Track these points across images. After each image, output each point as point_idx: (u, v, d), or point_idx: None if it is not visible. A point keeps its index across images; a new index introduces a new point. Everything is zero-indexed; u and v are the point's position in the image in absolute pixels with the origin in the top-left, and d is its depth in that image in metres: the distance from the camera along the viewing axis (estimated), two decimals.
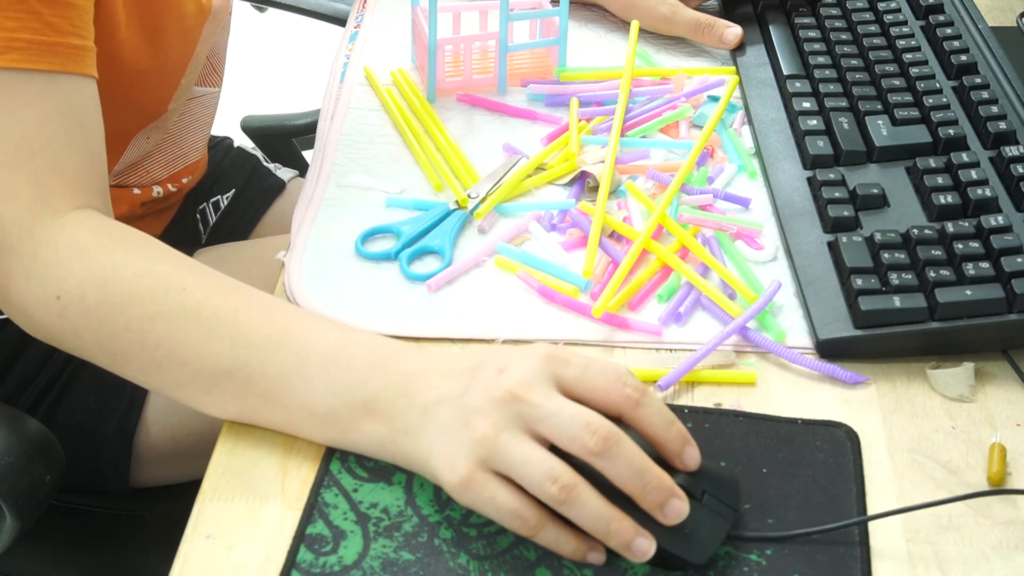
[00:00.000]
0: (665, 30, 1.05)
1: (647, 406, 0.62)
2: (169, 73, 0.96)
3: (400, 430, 0.64)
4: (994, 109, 0.87)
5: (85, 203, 0.73)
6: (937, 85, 0.91)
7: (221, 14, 1.01)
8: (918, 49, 0.96)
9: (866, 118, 0.89)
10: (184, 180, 1.07)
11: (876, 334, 0.74)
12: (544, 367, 0.62)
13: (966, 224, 0.78)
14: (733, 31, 1.02)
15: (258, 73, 2.56)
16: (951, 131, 0.86)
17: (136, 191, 0.99)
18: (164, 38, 0.92)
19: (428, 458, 0.62)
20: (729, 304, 0.77)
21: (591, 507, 0.59)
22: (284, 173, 1.25)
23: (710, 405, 0.72)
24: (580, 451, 0.59)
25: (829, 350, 0.75)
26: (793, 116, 0.91)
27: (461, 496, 0.61)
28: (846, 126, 0.88)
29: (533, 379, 0.61)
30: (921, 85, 0.91)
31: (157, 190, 1.04)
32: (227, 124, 1.16)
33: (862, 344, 0.74)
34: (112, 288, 0.69)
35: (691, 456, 0.62)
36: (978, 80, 0.91)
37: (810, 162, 0.87)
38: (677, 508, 0.60)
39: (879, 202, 0.82)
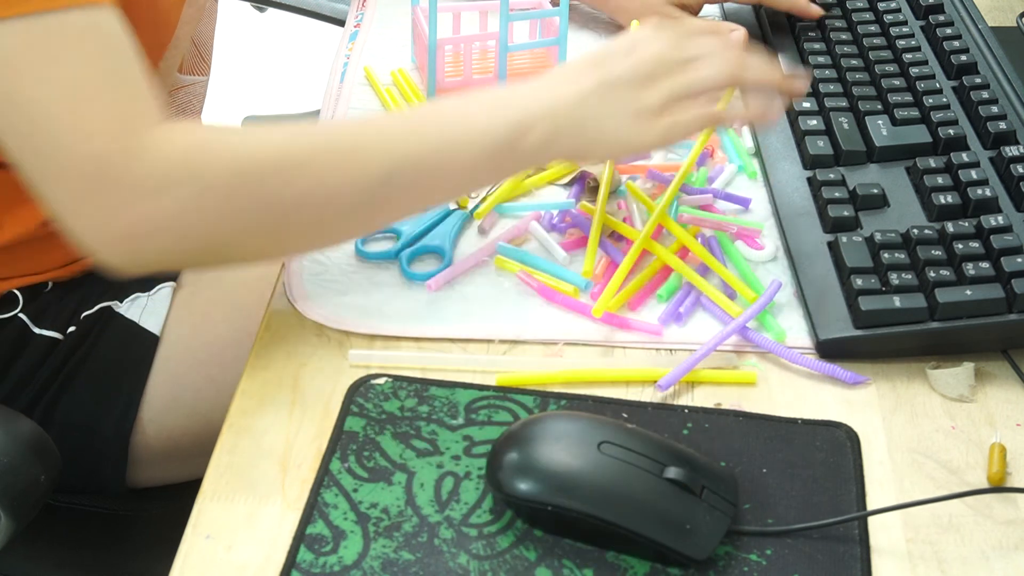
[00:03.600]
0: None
1: (746, 73, 0.76)
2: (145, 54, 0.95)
3: (562, 127, 0.71)
4: (994, 109, 0.87)
5: (160, 119, 0.72)
6: (937, 85, 0.91)
7: (194, 6, 1.00)
8: (918, 49, 0.96)
9: (866, 118, 0.89)
10: None
11: (876, 334, 0.74)
12: (664, 41, 0.74)
13: (966, 224, 0.78)
14: (737, 35, 1.02)
15: (259, 73, 2.56)
16: (951, 131, 0.86)
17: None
18: (137, 16, 0.91)
19: (605, 135, 0.72)
20: (729, 304, 0.77)
21: (755, 69, 0.76)
22: None
23: (710, 405, 0.72)
24: (720, 79, 0.75)
25: (829, 350, 0.75)
26: (793, 116, 0.91)
27: (659, 141, 0.73)
28: (846, 126, 0.88)
29: (664, 44, 0.74)
30: (921, 85, 0.91)
31: None
32: (225, 122, 1.16)
33: (862, 344, 0.74)
34: (247, 162, 0.69)
35: (799, 88, 0.79)
36: (978, 80, 0.91)
37: (810, 162, 0.87)
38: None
39: (879, 202, 0.82)
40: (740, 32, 1.02)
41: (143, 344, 0.92)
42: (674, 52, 0.74)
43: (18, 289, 0.92)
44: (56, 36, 0.69)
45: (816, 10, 1.02)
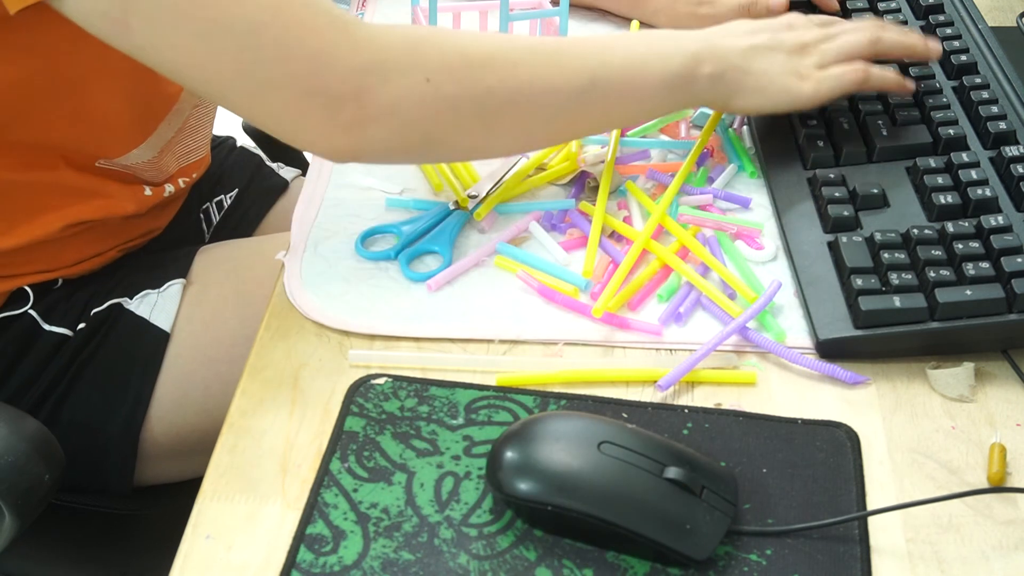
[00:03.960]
0: (708, 27, 1.04)
1: (882, 42, 0.87)
2: None
3: (731, 67, 0.81)
4: (994, 109, 0.87)
5: (360, 20, 0.76)
6: (937, 85, 0.91)
7: None
8: None
9: (866, 118, 0.88)
10: (193, 175, 1.07)
11: (876, 334, 0.74)
12: (814, 24, 0.86)
13: (966, 224, 0.78)
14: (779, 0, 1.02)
15: None
16: (951, 131, 0.86)
17: (148, 191, 0.99)
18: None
19: (769, 80, 0.82)
20: (729, 304, 0.77)
21: (893, 34, 0.87)
22: (287, 172, 1.25)
23: (710, 405, 0.72)
24: (861, 47, 0.85)
25: (829, 350, 0.75)
26: (793, 116, 0.91)
27: (815, 94, 0.83)
28: (846, 126, 0.88)
29: (815, 26, 0.86)
30: (921, 85, 0.91)
31: (169, 188, 1.03)
32: (229, 124, 1.15)
33: (862, 344, 0.74)
34: (471, 51, 0.75)
35: (935, 48, 0.90)
36: (978, 80, 0.91)
37: (810, 162, 0.87)
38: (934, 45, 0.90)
39: (879, 202, 0.82)
40: None
41: (153, 341, 0.92)
42: (825, 28, 0.86)
43: (29, 286, 0.92)
44: None
45: (833, 3, 1.02)
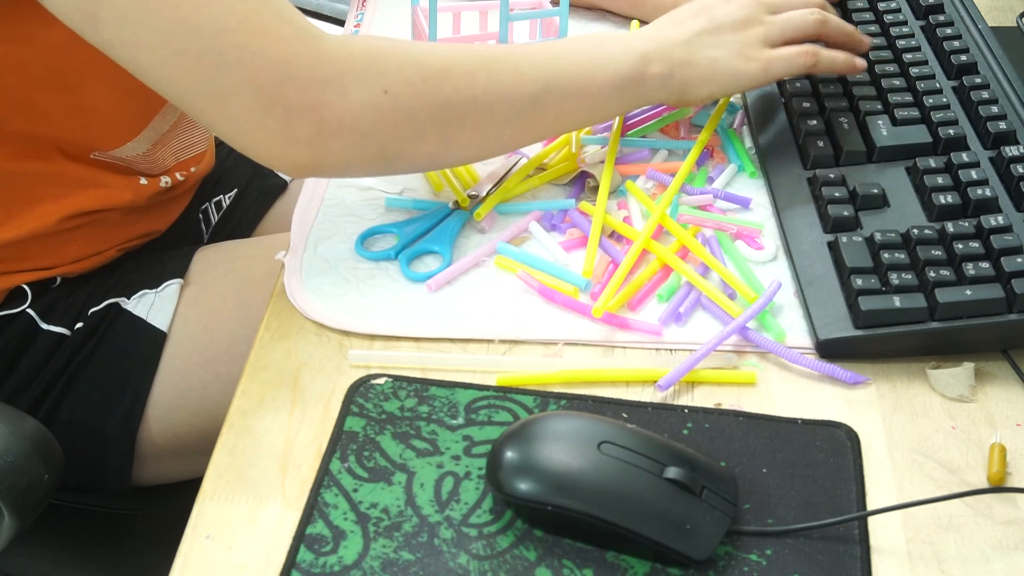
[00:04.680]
0: None
1: (828, 23, 0.88)
2: None
3: (676, 63, 0.82)
4: (994, 109, 0.87)
5: (324, 30, 0.75)
6: (937, 85, 0.91)
7: None
8: (918, 49, 0.96)
9: (866, 118, 0.88)
10: (192, 169, 1.07)
11: (876, 334, 0.74)
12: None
13: (966, 224, 0.78)
14: None
15: None
16: (951, 131, 0.86)
17: (143, 181, 0.99)
18: None
19: (716, 68, 0.83)
20: (729, 304, 0.77)
21: (837, 23, 0.88)
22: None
23: (710, 405, 0.72)
24: (808, 25, 0.86)
25: (829, 350, 0.75)
26: (793, 116, 0.91)
27: (764, 75, 0.84)
28: (846, 126, 0.88)
29: None
30: (921, 85, 0.91)
31: (165, 180, 1.03)
32: None
33: (862, 344, 0.74)
34: (428, 62, 0.76)
35: (866, 41, 0.91)
36: (978, 80, 0.91)
37: (810, 162, 0.87)
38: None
39: (879, 202, 0.82)
40: None
41: (151, 341, 0.92)
42: (766, 1, 0.86)
43: (27, 284, 0.92)
44: None
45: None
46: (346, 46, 0.74)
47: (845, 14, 1.02)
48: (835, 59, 0.87)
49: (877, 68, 0.94)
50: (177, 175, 1.05)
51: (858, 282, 0.75)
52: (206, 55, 0.71)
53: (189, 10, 0.70)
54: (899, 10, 1.01)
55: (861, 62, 0.89)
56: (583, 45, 0.83)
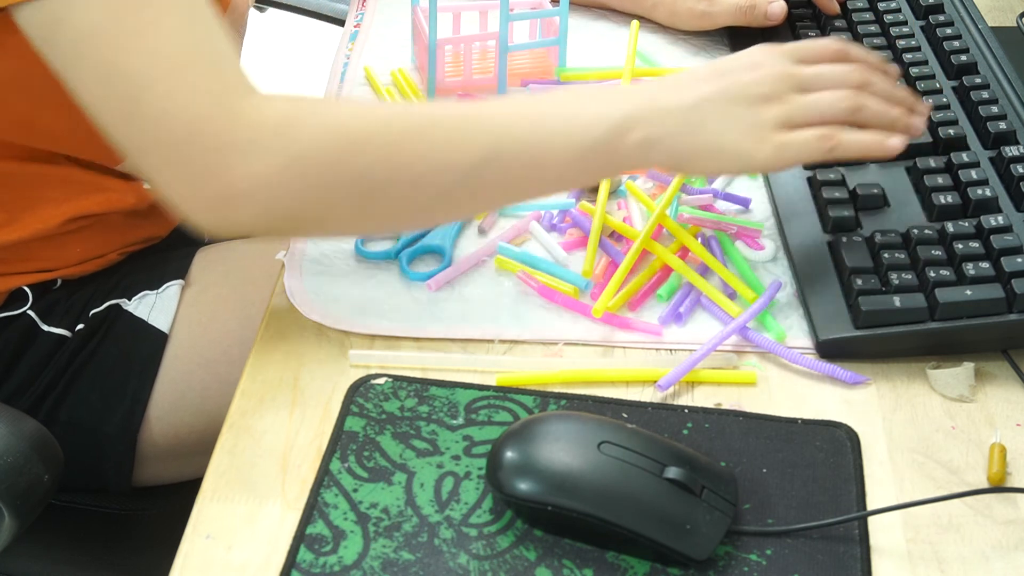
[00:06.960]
0: (704, 25, 1.04)
1: (863, 110, 0.74)
2: None
3: (672, 131, 0.71)
4: (994, 109, 0.87)
5: (254, 89, 0.72)
6: (937, 85, 0.91)
7: (235, 14, 1.01)
8: (918, 49, 0.96)
9: None
10: None
11: (876, 334, 0.74)
12: (788, 61, 0.74)
13: (966, 224, 0.78)
14: (777, 5, 1.01)
15: (259, 73, 2.55)
16: (951, 131, 0.86)
17: (147, 185, 0.99)
18: None
19: (723, 144, 0.71)
20: (729, 304, 0.77)
21: (875, 105, 0.74)
22: None
23: (710, 405, 0.72)
24: (837, 113, 0.73)
25: (829, 350, 0.75)
26: None
27: (774, 162, 0.72)
28: None
29: (788, 64, 0.74)
30: (921, 85, 0.91)
31: None
32: None
33: (862, 344, 0.74)
34: (346, 131, 0.70)
35: (919, 125, 0.76)
36: (978, 80, 0.91)
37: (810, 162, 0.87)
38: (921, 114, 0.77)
39: (879, 202, 0.82)
40: (779, 5, 1.01)
41: (151, 342, 0.92)
42: (797, 75, 0.73)
43: (28, 286, 0.92)
44: (146, 8, 0.69)
45: (833, 6, 1.02)
46: (264, 109, 0.70)
47: (845, 14, 1.03)
48: (860, 142, 0.73)
49: None
50: None
51: (858, 282, 0.75)
52: (127, 103, 0.69)
53: (126, 55, 0.69)
54: (899, 10, 1.01)
55: (895, 142, 0.74)
56: (555, 102, 0.74)
